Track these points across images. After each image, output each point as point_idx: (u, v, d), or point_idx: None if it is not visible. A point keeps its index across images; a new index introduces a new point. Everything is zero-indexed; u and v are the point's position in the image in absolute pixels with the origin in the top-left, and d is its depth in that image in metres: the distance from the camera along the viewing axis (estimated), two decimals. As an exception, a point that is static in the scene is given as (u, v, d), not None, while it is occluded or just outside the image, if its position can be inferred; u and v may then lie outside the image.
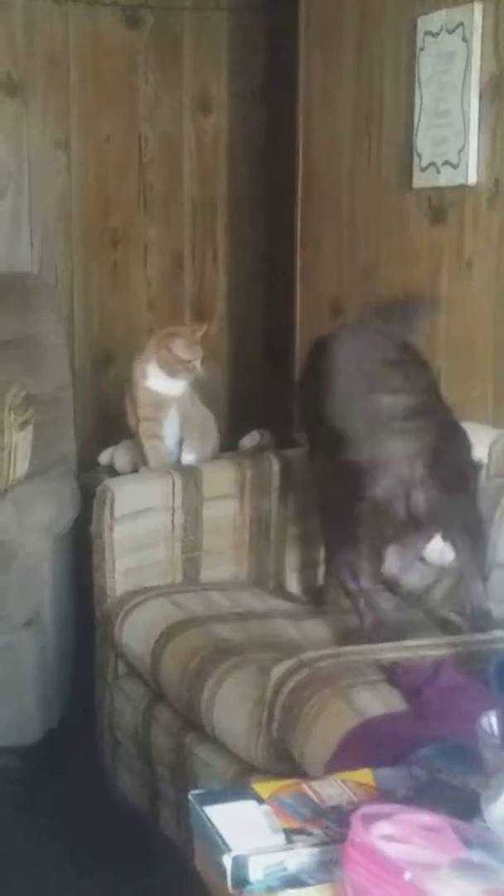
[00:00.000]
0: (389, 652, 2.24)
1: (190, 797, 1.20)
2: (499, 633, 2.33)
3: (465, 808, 1.19)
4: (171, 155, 4.04)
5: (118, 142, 3.97)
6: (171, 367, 2.99)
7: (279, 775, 2.17)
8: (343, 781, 1.24)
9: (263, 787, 1.22)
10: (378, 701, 2.02)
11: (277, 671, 2.17)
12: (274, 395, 3.94)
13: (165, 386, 3.01)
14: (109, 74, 3.92)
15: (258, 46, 4.06)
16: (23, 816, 2.85)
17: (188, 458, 3.04)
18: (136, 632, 2.72)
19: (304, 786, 1.22)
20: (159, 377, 3.01)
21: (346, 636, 2.53)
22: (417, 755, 1.68)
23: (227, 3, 4.01)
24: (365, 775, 1.26)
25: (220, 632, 2.56)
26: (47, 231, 3.91)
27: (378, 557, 2.55)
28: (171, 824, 2.61)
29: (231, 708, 2.32)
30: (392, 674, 2.10)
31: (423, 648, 2.27)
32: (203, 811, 1.17)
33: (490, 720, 1.35)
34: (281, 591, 2.96)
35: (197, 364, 3.00)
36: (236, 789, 1.33)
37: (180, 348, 2.98)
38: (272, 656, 2.36)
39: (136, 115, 3.98)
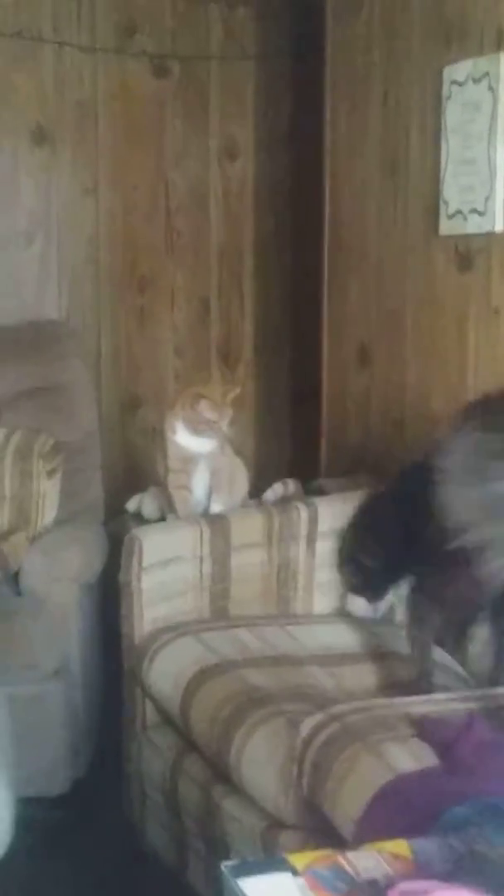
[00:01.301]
0: (419, 706, 2.22)
1: (223, 868, 1.18)
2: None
3: (502, 883, 1.16)
4: (197, 201, 4.06)
5: (146, 188, 3.99)
6: (196, 427, 3.00)
7: (309, 831, 2.17)
8: (378, 852, 1.23)
9: (298, 858, 1.20)
10: (409, 756, 2.00)
11: (307, 725, 2.15)
12: (301, 442, 3.94)
13: (193, 442, 3.02)
14: (137, 122, 3.95)
15: (284, 94, 4.08)
16: (50, 867, 2.83)
17: (216, 509, 3.03)
18: (166, 674, 2.71)
19: (340, 857, 1.20)
20: (186, 434, 3.01)
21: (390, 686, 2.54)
22: (450, 813, 1.66)
23: (253, 52, 4.03)
24: (400, 846, 1.24)
25: (252, 678, 2.54)
26: (75, 277, 3.93)
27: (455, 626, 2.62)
28: (200, 878, 2.59)
29: (260, 764, 2.30)
30: (422, 728, 2.08)
31: (453, 702, 2.25)
32: (236, 883, 1.15)
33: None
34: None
35: (223, 425, 3.00)
36: (271, 861, 1.31)
37: (206, 409, 2.99)
38: (303, 708, 2.35)
39: (164, 163, 4.00)
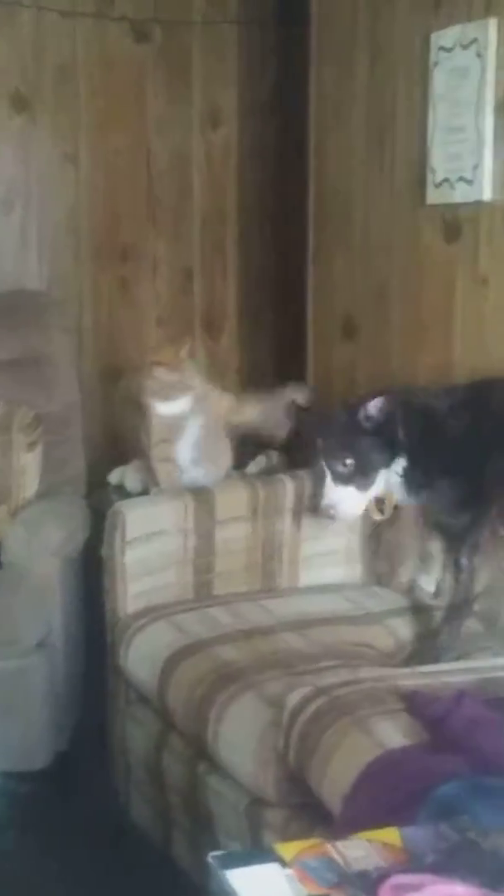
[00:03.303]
0: (409, 678, 2.20)
1: (209, 860, 1.16)
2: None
3: (496, 875, 1.14)
4: (180, 169, 4.00)
5: (127, 156, 3.92)
6: (164, 393, 2.99)
7: (292, 808, 2.15)
8: (369, 841, 1.20)
9: (286, 849, 1.18)
10: (398, 732, 1.98)
11: (294, 697, 2.13)
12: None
13: (169, 408, 3.00)
14: (118, 88, 3.88)
15: (269, 59, 4.02)
16: (32, 842, 2.81)
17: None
18: (141, 662, 2.70)
19: (329, 847, 1.18)
20: (160, 404, 2.99)
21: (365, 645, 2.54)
22: (439, 791, 1.64)
23: (236, 16, 3.97)
24: (391, 835, 1.22)
25: (223, 654, 2.53)
26: (55, 247, 3.87)
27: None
28: (185, 853, 2.58)
29: (236, 742, 2.29)
30: (412, 703, 2.06)
31: (444, 675, 2.23)
32: (223, 875, 1.12)
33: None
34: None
35: (189, 381, 2.97)
36: (258, 851, 1.29)
37: (163, 374, 2.97)
38: (274, 675, 2.36)
39: (145, 129, 3.94)
